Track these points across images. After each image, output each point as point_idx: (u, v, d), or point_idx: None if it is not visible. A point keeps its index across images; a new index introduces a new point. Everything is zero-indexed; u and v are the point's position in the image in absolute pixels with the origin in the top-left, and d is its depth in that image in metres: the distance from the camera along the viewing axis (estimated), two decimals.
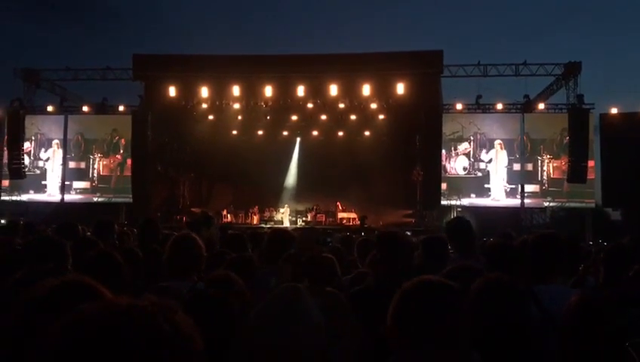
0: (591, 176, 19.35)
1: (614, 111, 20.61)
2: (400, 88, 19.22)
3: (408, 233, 16.58)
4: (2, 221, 17.30)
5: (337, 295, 3.12)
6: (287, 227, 17.81)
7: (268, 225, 19.70)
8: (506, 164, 20.37)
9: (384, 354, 1.94)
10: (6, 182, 21.87)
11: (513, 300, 2.22)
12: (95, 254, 3.23)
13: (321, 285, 3.19)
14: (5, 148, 21.00)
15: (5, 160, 21.06)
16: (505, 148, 20.37)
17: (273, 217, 22.27)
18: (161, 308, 0.92)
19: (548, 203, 20.52)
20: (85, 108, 22.28)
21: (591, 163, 19.20)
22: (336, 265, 3.79)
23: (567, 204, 20.54)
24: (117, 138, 21.87)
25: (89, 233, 5.43)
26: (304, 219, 22.03)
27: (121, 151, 21.87)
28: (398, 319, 1.81)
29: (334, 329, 2.45)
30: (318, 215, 22.11)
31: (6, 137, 20.88)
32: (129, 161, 21.43)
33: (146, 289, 2.88)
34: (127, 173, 21.46)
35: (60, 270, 2.09)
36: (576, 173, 18.81)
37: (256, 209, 22.43)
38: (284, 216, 21.95)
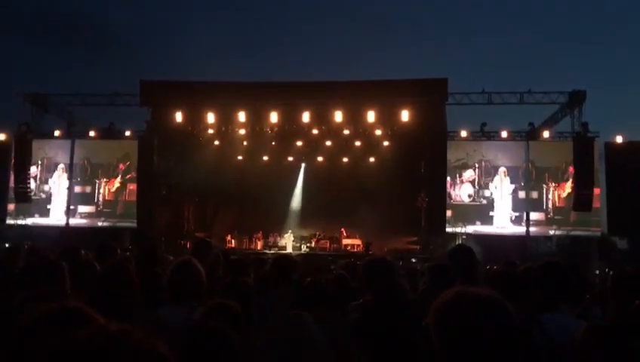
0: (596, 204, 19.31)
1: (619, 139, 20.59)
2: (405, 115, 19.33)
3: (413, 260, 16.52)
4: (7, 245, 17.28)
5: (339, 320, 3.09)
6: (290, 253, 17.74)
7: (272, 251, 19.64)
8: (511, 191, 20.32)
9: None
10: (11, 206, 21.91)
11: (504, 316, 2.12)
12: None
13: (323, 311, 3.16)
14: (12, 172, 21.13)
15: (12, 184, 21.17)
16: (509, 176, 20.33)
17: (277, 243, 22.22)
18: (142, 334, 0.92)
19: (553, 231, 20.38)
20: (92, 133, 22.32)
21: (596, 191, 19.18)
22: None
23: (572, 232, 20.37)
24: (116, 162, 21.88)
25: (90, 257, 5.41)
26: (308, 244, 21.95)
27: (119, 177, 21.82)
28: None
29: (336, 354, 2.42)
30: (323, 241, 22.03)
31: (13, 161, 21.03)
32: (129, 186, 21.47)
33: (143, 315, 2.86)
34: (130, 197, 21.49)
35: (58, 293, 2.08)
36: (581, 202, 18.75)
37: (260, 234, 22.41)
38: (287, 242, 21.88)
